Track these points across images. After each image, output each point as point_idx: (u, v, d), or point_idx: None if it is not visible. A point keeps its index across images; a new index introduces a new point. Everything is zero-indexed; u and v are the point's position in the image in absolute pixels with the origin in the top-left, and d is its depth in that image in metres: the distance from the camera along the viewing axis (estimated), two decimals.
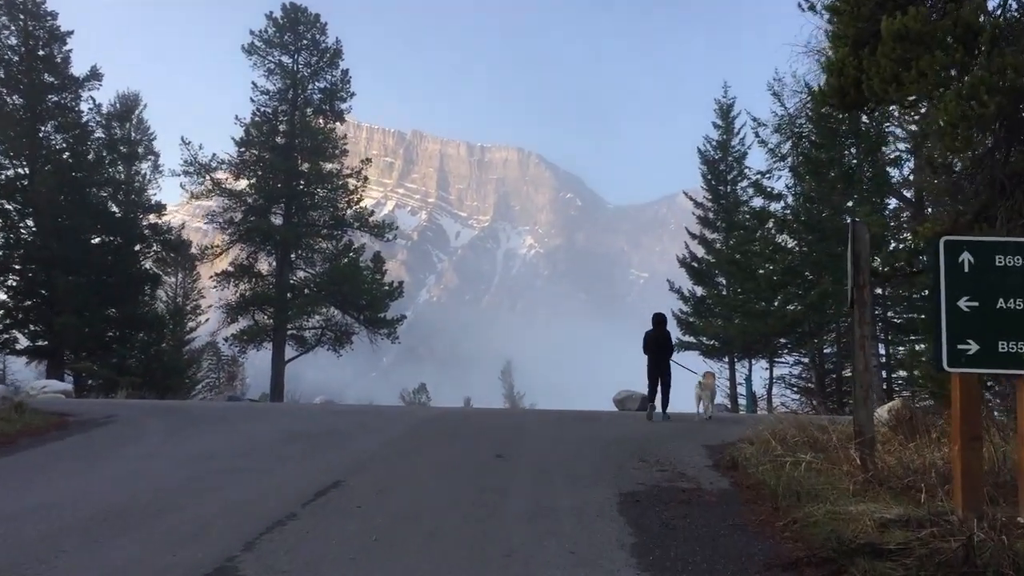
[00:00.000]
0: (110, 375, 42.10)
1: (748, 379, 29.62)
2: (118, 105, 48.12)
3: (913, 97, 8.90)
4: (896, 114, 22.27)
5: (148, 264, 45.63)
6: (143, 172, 47.34)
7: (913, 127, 19.72)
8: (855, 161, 26.34)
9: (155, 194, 46.09)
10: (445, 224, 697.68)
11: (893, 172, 26.87)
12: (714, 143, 38.28)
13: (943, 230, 9.96)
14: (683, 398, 17.82)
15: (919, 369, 17.32)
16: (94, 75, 41.16)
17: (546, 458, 10.31)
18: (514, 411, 18.80)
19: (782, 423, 12.20)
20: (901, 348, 28.67)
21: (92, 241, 42.12)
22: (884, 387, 27.78)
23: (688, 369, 17.79)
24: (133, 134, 47.73)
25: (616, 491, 8.28)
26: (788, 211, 29.50)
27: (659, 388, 16.61)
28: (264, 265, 41.99)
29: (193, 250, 46.55)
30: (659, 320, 17.31)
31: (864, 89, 8.82)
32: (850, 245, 9.50)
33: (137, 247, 43.64)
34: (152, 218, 44.71)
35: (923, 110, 10.41)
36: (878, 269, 22.13)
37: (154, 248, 43.61)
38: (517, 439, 11.87)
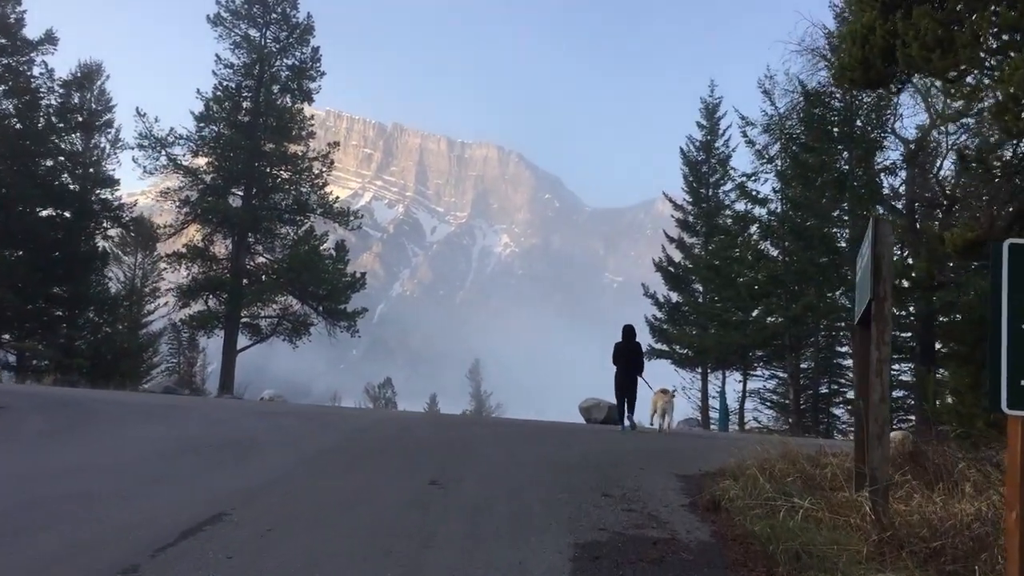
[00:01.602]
0: (56, 356, 39.93)
1: (722, 393, 28.09)
2: (79, 74, 45.86)
3: (963, 66, 7.26)
4: (932, 89, 20.55)
5: (101, 242, 43.41)
6: (102, 146, 45.13)
7: (959, 103, 17.97)
8: (847, 167, 24.84)
9: (114, 169, 43.86)
10: (422, 218, 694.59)
11: (887, 181, 25.38)
12: (697, 143, 36.78)
13: (976, 236, 8.44)
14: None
15: (940, 399, 15.72)
16: (49, 39, 38.87)
17: (491, 488, 8.54)
18: (469, 420, 17.05)
19: (767, 450, 10.58)
20: (897, 368, 27.04)
21: (40, 214, 39.85)
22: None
23: (649, 385, 17.12)
24: (94, 105, 45.44)
25: (571, 540, 6.54)
26: (773, 217, 27.94)
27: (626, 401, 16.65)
28: (220, 248, 39.82)
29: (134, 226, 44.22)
30: (628, 331, 17.41)
31: (899, 58, 7.14)
32: (870, 248, 7.80)
33: (89, 223, 41.44)
34: (105, 193, 42.58)
35: (971, 82, 8.86)
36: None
37: (104, 225, 41.30)
38: (461, 459, 10.11)
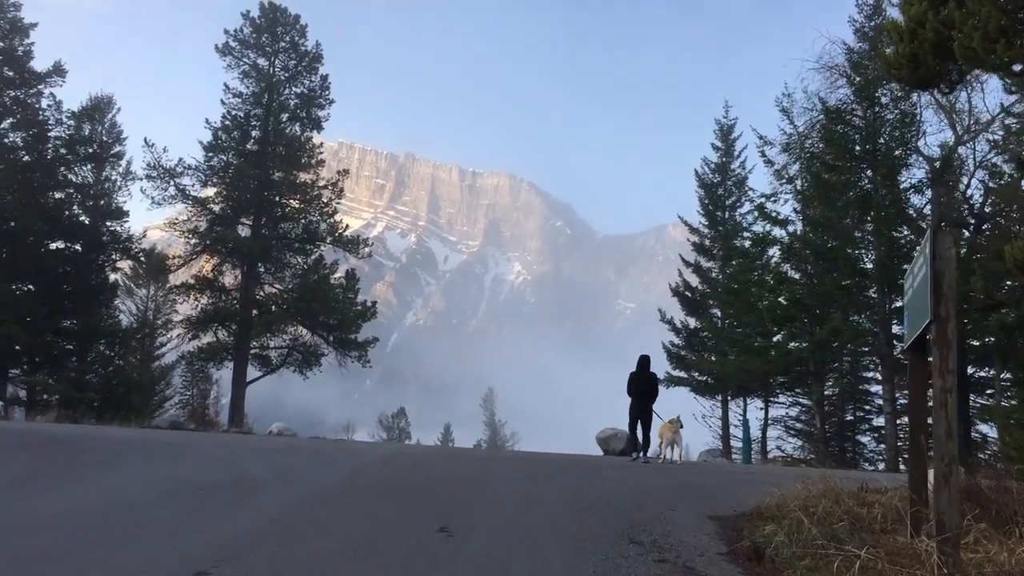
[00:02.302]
0: (66, 390, 39.36)
1: (745, 422, 27.06)
2: (88, 106, 45.72)
3: None
4: (988, 84, 19.75)
5: (112, 274, 42.97)
6: (113, 178, 44.87)
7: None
8: (870, 186, 23.98)
9: (125, 201, 43.50)
10: (434, 247, 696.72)
11: (914, 199, 24.50)
12: (713, 165, 36.08)
13: None
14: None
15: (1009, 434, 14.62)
16: (57, 71, 38.65)
17: (506, 534, 7.70)
18: (482, 454, 16.20)
19: (807, 487, 9.71)
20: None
21: (49, 247, 39.45)
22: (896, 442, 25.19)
23: (659, 416, 17.05)
24: (104, 137, 45.24)
25: None
26: (794, 238, 27.05)
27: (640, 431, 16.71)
28: (229, 278, 39.26)
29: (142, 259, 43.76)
30: (643, 362, 17.42)
31: (955, 52, 6.39)
32: (928, 264, 6.98)
33: (99, 256, 41.00)
34: (115, 226, 42.20)
35: None
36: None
37: (113, 257, 40.83)
38: (474, 500, 9.28)
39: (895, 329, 24.45)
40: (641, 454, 16.64)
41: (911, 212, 24.38)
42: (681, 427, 16.80)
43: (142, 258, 44.64)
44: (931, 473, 9.05)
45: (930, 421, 6.96)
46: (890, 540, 7.42)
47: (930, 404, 6.83)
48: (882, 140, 24.19)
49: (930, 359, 6.88)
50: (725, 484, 12.06)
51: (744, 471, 14.95)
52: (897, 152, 24.11)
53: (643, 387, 16.98)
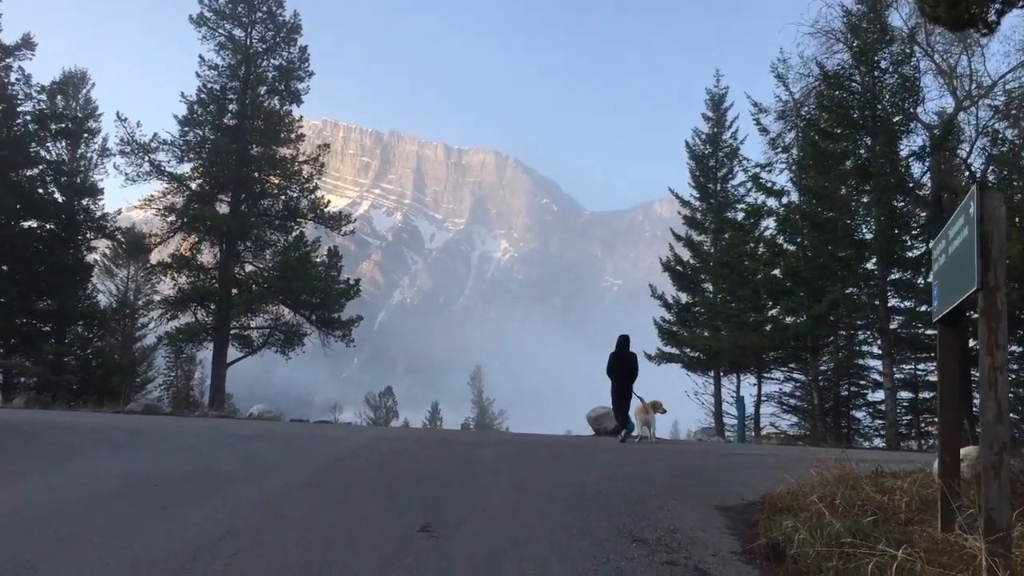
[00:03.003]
0: (44, 373, 38.40)
1: (740, 399, 26.34)
2: (59, 80, 44.36)
3: None
4: (989, 48, 19.09)
5: (88, 254, 41.84)
6: (89, 155, 43.58)
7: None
8: (869, 154, 23.13)
9: (101, 179, 42.33)
10: (420, 226, 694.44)
11: (916, 167, 23.71)
12: (703, 136, 35.18)
13: None
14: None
15: None
16: (26, 43, 37.36)
17: (495, 533, 6.87)
18: (470, 438, 15.35)
19: (822, 473, 8.94)
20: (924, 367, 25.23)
21: (22, 226, 38.25)
22: (913, 421, 24.53)
23: (640, 398, 17.06)
24: (79, 114, 43.92)
25: None
26: (790, 209, 26.21)
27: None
28: (208, 257, 38.17)
29: (121, 238, 42.65)
30: (623, 342, 17.27)
31: None
32: (975, 225, 6.16)
33: (73, 235, 39.83)
34: (90, 204, 41.02)
35: None
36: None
37: (87, 236, 39.68)
38: (460, 492, 8.45)
39: (893, 302, 23.78)
40: (623, 433, 16.85)
41: (911, 181, 23.60)
42: (663, 411, 16.99)
43: (120, 237, 43.57)
44: (964, 459, 8.25)
45: (972, 401, 6.17)
46: (921, 534, 6.65)
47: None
48: (881, 106, 23.38)
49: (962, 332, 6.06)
50: (728, 468, 11.31)
51: (745, 452, 14.23)
52: (897, 119, 23.30)
53: (623, 368, 16.96)
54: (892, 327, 24.69)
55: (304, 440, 12.48)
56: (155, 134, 36.60)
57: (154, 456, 10.05)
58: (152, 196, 36.82)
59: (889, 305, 23.69)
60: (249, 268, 38.24)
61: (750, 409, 31.11)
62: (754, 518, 7.76)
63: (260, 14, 38.37)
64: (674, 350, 34.09)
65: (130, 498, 7.59)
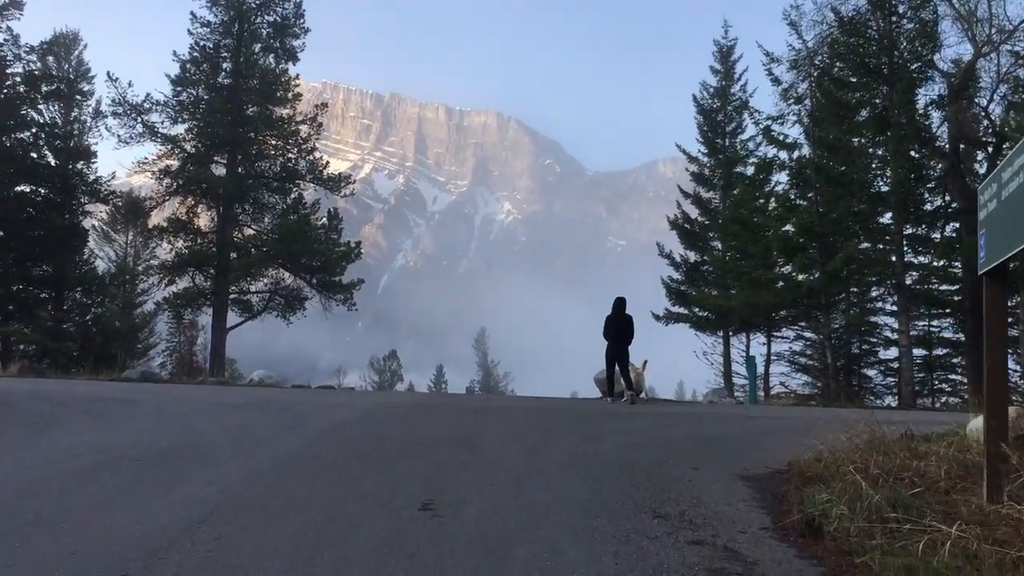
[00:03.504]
0: (44, 340, 37.92)
1: (751, 359, 25.71)
2: (55, 46, 43.35)
3: None
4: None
5: (84, 219, 41.17)
6: (83, 118, 42.70)
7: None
8: (886, 103, 22.20)
9: (96, 143, 41.47)
10: (423, 188, 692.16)
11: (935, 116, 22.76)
12: (712, 90, 34.15)
13: None
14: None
15: None
16: (14, 3, 36.33)
17: (503, 512, 6.26)
18: (474, 403, 14.76)
19: (851, 438, 8.33)
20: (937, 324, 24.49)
21: (14, 190, 37.51)
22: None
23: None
24: (71, 75, 42.96)
25: None
26: (803, 163, 25.32)
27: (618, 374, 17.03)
28: (205, 220, 37.41)
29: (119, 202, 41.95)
30: (620, 304, 17.21)
31: None
32: None
33: (67, 199, 39.11)
34: (84, 167, 40.24)
35: None
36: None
37: (82, 200, 38.97)
38: (464, 465, 7.85)
39: (908, 257, 23.07)
40: (622, 397, 17.07)
41: (928, 131, 22.71)
42: (644, 369, 17.76)
43: (118, 202, 42.88)
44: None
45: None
46: (967, 505, 6.03)
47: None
48: (898, 53, 22.43)
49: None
50: (748, 433, 10.71)
51: (763, 415, 13.64)
52: (915, 66, 22.35)
53: (620, 330, 16.93)
54: (907, 283, 23.99)
55: (299, 408, 11.89)
56: (148, 95, 35.67)
57: (139, 428, 9.46)
58: (146, 158, 35.86)
59: (907, 260, 22.98)
60: (247, 231, 37.50)
61: (760, 369, 30.56)
62: (783, 489, 7.17)
63: None
64: (682, 310, 33.45)
65: (107, 475, 6.99)
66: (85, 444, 8.30)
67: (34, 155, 37.90)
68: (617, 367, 16.96)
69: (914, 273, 25.41)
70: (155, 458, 7.69)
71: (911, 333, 25.83)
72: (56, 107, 41.05)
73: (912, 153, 22.25)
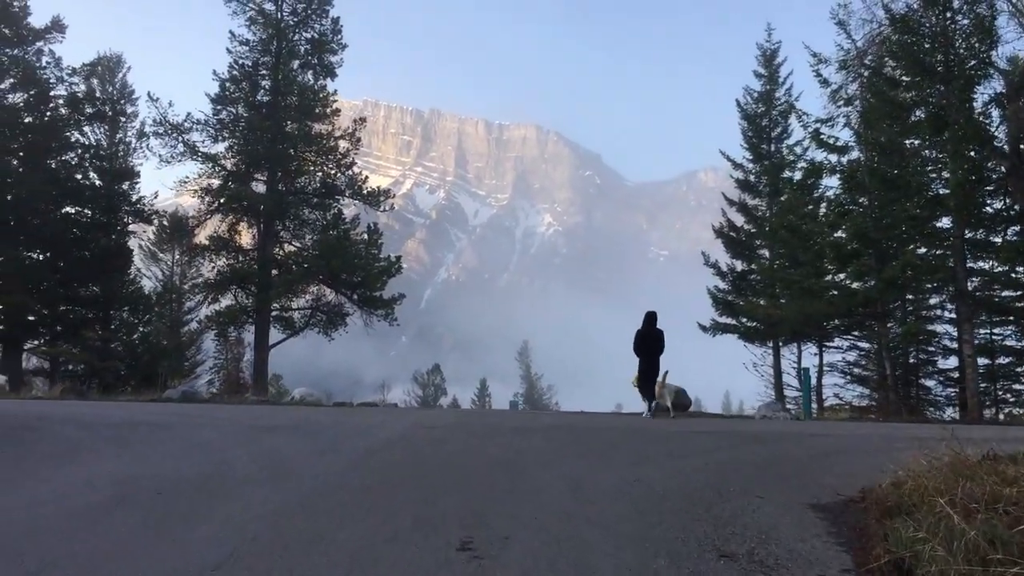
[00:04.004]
0: (91, 360, 38.18)
1: (805, 372, 24.72)
2: (99, 68, 43.92)
3: None
4: None
5: (128, 238, 41.47)
6: (128, 140, 43.14)
7: None
8: (943, 101, 21.17)
9: (141, 164, 41.84)
10: (463, 202, 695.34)
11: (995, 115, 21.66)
12: (755, 95, 33.31)
13: None
14: None
15: None
16: (56, 26, 36.73)
17: (550, 551, 5.62)
18: (516, 422, 14.12)
19: (931, 459, 7.50)
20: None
21: (59, 212, 37.85)
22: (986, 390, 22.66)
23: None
24: (116, 97, 43.44)
25: None
26: (856, 166, 24.31)
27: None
28: (246, 238, 37.36)
29: (165, 222, 42.26)
30: (651, 318, 17.22)
31: None
32: None
33: (111, 219, 39.42)
34: (127, 187, 40.56)
35: None
36: None
37: (125, 220, 39.24)
38: (507, 496, 7.22)
39: (974, 264, 21.92)
40: (651, 408, 17.11)
41: (988, 130, 21.62)
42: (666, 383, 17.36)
43: (159, 221, 43.18)
44: None
45: None
46: None
47: None
48: (954, 50, 21.41)
49: None
50: (811, 454, 9.94)
51: (825, 433, 12.83)
52: (971, 63, 21.31)
53: (652, 344, 17.01)
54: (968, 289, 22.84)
55: (334, 431, 11.38)
56: (188, 114, 35.73)
57: (165, 455, 9.01)
58: (187, 178, 35.92)
59: (969, 265, 21.86)
60: (289, 248, 37.37)
61: (812, 380, 29.51)
62: (861, 521, 6.45)
63: None
64: (730, 320, 32.53)
65: (125, 510, 6.51)
66: (106, 475, 7.85)
67: (78, 176, 38.23)
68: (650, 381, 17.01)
69: (975, 279, 24.24)
70: (176, 490, 7.19)
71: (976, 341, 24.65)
72: (102, 129, 41.51)
73: (971, 154, 21.18)
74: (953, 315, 26.67)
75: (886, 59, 22.63)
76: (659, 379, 17.09)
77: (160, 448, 9.51)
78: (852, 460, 9.08)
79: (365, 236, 37.30)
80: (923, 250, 23.55)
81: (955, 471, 7.05)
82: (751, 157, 33.39)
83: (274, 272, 36.06)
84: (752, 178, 33.36)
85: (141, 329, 43.81)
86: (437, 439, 10.63)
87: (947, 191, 21.50)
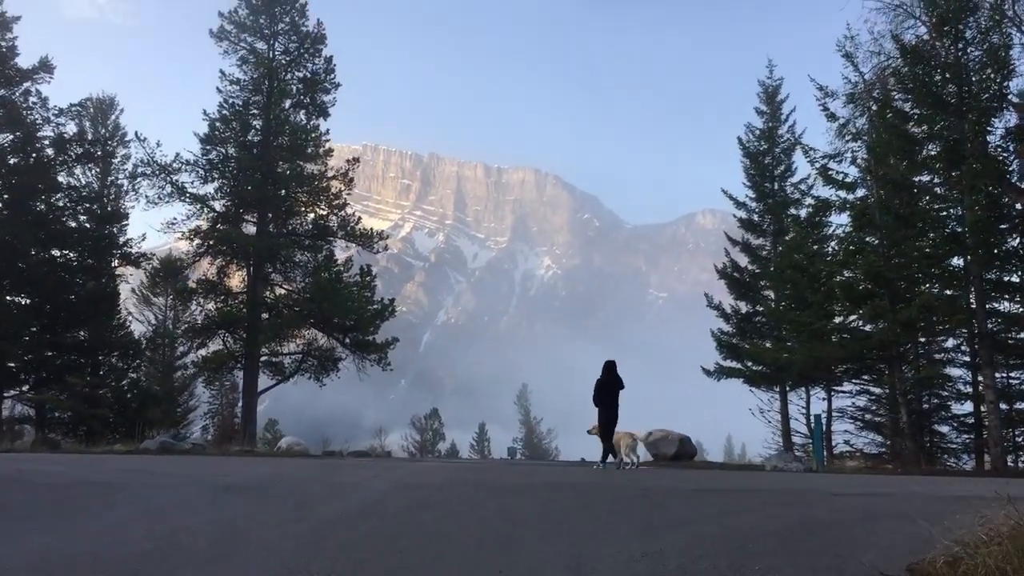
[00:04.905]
0: (78, 407, 36.95)
1: (816, 418, 23.54)
2: (91, 109, 43.39)
3: None
4: None
5: (116, 281, 40.43)
6: (120, 182, 42.42)
7: None
8: (956, 136, 20.25)
9: (132, 206, 41.04)
10: (463, 245, 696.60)
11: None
12: (758, 132, 32.54)
13: None
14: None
15: None
16: (44, 67, 35.98)
17: None
18: (511, 480, 12.96)
19: (988, 528, 6.36)
20: None
21: (44, 255, 36.85)
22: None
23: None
24: (108, 139, 42.83)
25: None
26: (866, 202, 23.35)
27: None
28: (236, 280, 36.32)
29: (157, 264, 41.31)
30: (609, 367, 17.12)
31: None
32: None
33: (97, 262, 38.42)
34: (115, 230, 39.66)
35: None
36: None
37: (112, 263, 38.24)
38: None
39: (990, 304, 20.84)
40: (606, 461, 16.60)
41: (1005, 165, 20.69)
42: (636, 439, 16.73)
43: (146, 264, 42.26)
44: None
45: None
46: None
47: None
48: (967, 81, 20.59)
49: None
50: (839, 519, 8.79)
51: (852, 491, 11.68)
52: (988, 94, 20.47)
53: (612, 394, 16.75)
54: (991, 330, 21.69)
55: (307, 492, 10.25)
56: (177, 154, 34.88)
57: (107, 525, 7.86)
58: (175, 219, 34.93)
59: (989, 306, 20.79)
60: (279, 291, 36.32)
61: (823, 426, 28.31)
62: None
63: (283, 25, 36.59)
64: (735, 364, 31.40)
65: None
66: (25, 555, 6.71)
67: (64, 219, 37.31)
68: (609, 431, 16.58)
69: (991, 321, 23.13)
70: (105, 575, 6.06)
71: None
72: (93, 171, 40.81)
73: (990, 189, 20.23)
74: (966, 358, 25.55)
75: (895, 92, 21.83)
76: (637, 433, 16.78)
77: (104, 517, 8.36)
78: (891, 527, 7.96)
79: (358, 278, 36.25)
80: (937, 289, 22.49)
81: (1016, 542, 5.96)
82: (754, 195, 32.54)
83: (264, 316, 34.94)
84: (755, 217, 32.48)
85: (131, 375, 42.61)
86: (420, 503, 9.49)
87: (962, 228, 20.52)
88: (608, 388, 16.77)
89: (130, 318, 44.50)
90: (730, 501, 10.08)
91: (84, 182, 40.53)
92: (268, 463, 16.78)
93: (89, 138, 39.97)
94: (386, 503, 9.34)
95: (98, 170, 41.39)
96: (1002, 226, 21.85)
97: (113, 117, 44.84)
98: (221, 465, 15.12)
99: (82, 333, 38.60)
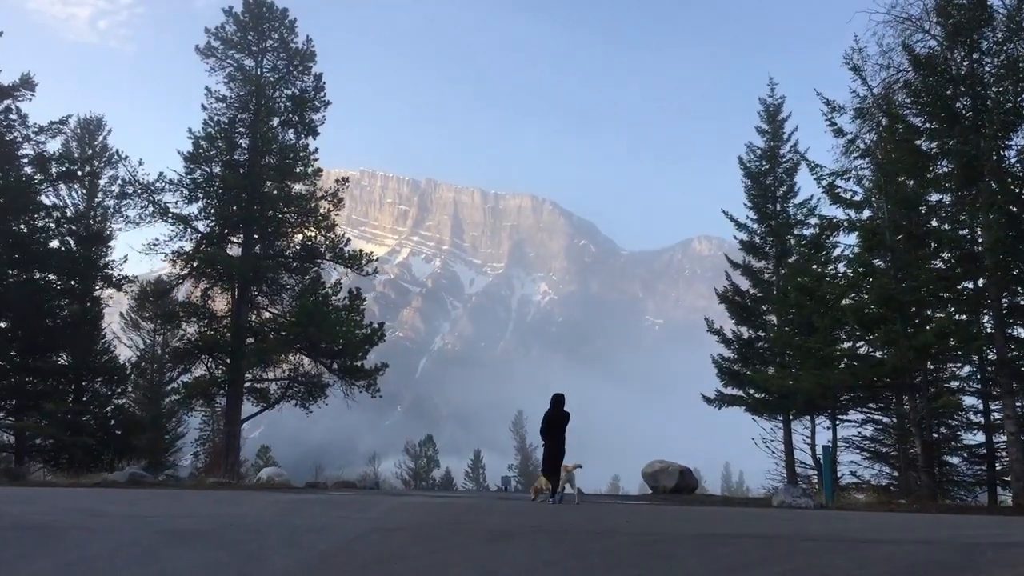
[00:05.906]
0: (59, 434, 35.60)
1: (824, 449, 22.35)
2: (78, 128, 42.39)
3: None
4: None
5: (98, 305, 39.24)
6: (106, 203, 41.33)
7: None
8: (973, 151, 19.19)
9: (120, 228, 39.98)
10: (459, 271, 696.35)
11: None
12: (759, 151, 31.61)
13: None
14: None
15: None
16: (25, 83, 35.03)
17: None
18: (496, 522, 11.71)
19: None
20: None
21: (24, 277, 35.69)
22: None
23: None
24: (95, 161, 41.81)
25: None
26: (877, 220, 22.28)
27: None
28: (221, 303, 35.11)
29: (143, 287, 40.10)
30: (557, 401, 16.92)
31: None
32: None
33: (80, 285, 37.28)
34: (98, 251, 38.51)
35: None
36: None
37: (94, 286, 37.06)
38: None
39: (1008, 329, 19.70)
40: (555, 497, 16.01)
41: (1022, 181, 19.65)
42: (575, 469, 16.20)
43: (132, 287, 41.12)
44: None
45: None
46: None
47: None
48: (986, 93, 19.63)
49: None
50: (873, 572, 7.66)
51: (874, 536, 10.52)
52: (1005, 108, 19.48)
53: (559, 427, 16.52)
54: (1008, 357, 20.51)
55: (264, 539, 9.02)
56: (160, 173, 33.77)
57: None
58: (157, 240, 33.77)
59: (1010, 333, 19.67)
60: (264, 314, 35.10)
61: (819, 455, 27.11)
62: None
63: (271, 41, 35.64)
64: (736, 391, 30.25)
65: None
66: None
67: (45, 240, 36.19)
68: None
69: (1012, 347, 21.97)
70: None
71: (997, 414, 22.28)
72: (79, 193, 39.78)
73: (1010, 207, 19.14)
74: (977, 385, 24.41)
75: (906, 106, 20.87)
76: (566, 464, 16.19)
77: (22, 572, 7.17)
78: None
79: (347, 301, 35.08)
80: (953, 313, 21.37)
81: None
82: (755, 217, 31.56)
83: (249, 340, 33.70)
84: (757, 239, 31.48)
85: (115, 401, 41.25)
86: (390, 554, 8.27)
87: (980, 248, 19.44)
88: (555, 421, 16.54)
89: (115, 342, 43.31)
90: (742, 554, 8.88)
91: (70, 203, 39.51)
92: (236, 499, 15.53)
93: (75, 157, 38.96)
94: (352, 552, 8.14)
95: (84, 190, 40.35)
96: (1021, 247, 20.78)
97: (101, 137, 43.83)
98: (180, 503, 13.89)
99: (64, 358, 37.41)
